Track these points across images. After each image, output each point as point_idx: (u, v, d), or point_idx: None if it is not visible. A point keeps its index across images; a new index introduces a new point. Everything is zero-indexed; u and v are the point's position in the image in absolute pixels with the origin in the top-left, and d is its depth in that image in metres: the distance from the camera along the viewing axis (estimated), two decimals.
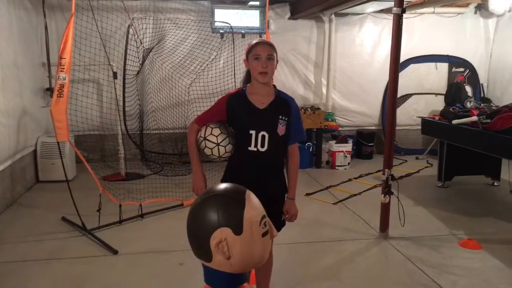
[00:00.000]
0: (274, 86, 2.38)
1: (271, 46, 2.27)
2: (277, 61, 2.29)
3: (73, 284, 3.03)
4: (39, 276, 3.13)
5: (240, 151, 2.30)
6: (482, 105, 5.22)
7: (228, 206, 1.02)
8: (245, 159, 2.29)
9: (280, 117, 2.28)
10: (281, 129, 2.28)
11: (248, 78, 2.35)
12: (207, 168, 2.50)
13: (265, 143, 2.25)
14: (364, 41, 7.03)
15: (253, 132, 2.24)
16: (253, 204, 1.04)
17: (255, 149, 2.25)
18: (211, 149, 2.28)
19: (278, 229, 2.39)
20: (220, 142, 2.26)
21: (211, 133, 2.27)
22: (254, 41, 2.29)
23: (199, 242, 1.03)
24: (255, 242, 1.03)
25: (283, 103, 2.33)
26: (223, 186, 1.08)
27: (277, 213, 2.39)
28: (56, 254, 3.48)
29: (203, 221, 1.02)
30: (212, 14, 6.42)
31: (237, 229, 1.00)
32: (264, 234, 1.05)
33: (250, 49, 2.25)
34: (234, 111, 2.29)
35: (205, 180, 2.40)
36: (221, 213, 1.01)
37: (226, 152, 2.29)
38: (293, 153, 2.40)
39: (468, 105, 5.25)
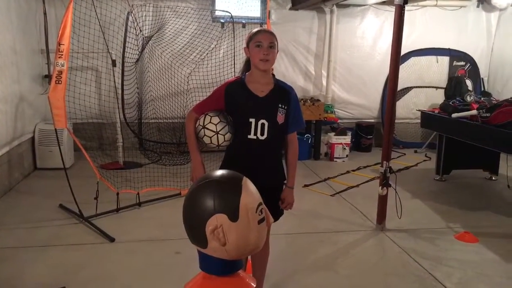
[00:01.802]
0: (273, 75, 2.37)
1: (272, 34, 2.26)
2: (278, 50, 2.28)
3: (70, 271, 3.04)
4: (36, 263, 3.13)
5: (239, 139, 2.29)
6: (482, 99, 5.21)
7: (224, 192, 1.01)
8: (245, 147, 2.29)
9: (280, 105, 2.28)
10: (280, 117, 2.28)
11: (247, 67, 2.34)
12: (205, 158, 2.49)
13: (265, 131, 2.25)
14: (366, 33, 6.99)
15: (252, 120, 2.24)
16: (250, 191, 1.04)
17: (255, 137, 2.25)
18: (210, 137, 2.27)
19: (276, 218, 2.39)
20: (219, 131, 2.25)
21: (210, 122, 2.26)
22: (256, 29, 2.29)
23: (195, 228, 1.02)
24: (251, 229, 1.02)
25: (282, 91, 2.32)
26: (219, 172, 1.07)
27: (275, 202, 2.38)
28: (53, 241, 3.48)
29: (199, 207, 1.01)
30: (213, 3, 6.37)
31: (233, 216, 1.00)
32: (260, 221, 1.04)
33: (252, 37, 2.24)
34: (233, 99, 2.28)
35: (204, 169, 2.39)
36: (217, 199, 1.00)
37: (225, 140, 2.28)
38: (292, 141, 2.40)
39: (468, 99, 5.23)
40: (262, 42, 2.19)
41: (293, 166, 2.41)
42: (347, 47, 6.97)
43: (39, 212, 4.06)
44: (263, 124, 2.24)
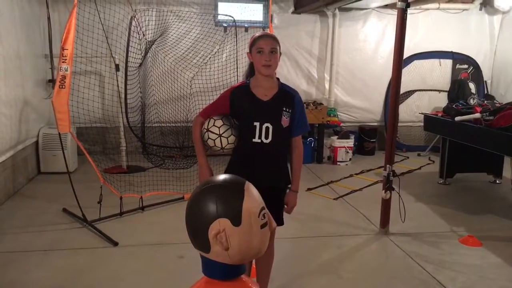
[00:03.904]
0: (278, 79, 2.39)
1: (274, 39, 2.27)
2: (280, 53, 2.29)
3: (73, 275, 3.04)
4: (39, 267, 3.14)
5: (244, 143, 2.32)
6: (485, 102, 5.19)
7: (226, 196, 1.01)
8: (249, 150, 2.31)
9: (284, 109, 2.30)
10: (285, 121, 2.30)
11: (251, 71, 2.36)
12: (211, 162, 2.50)
13: (269, 135, 2.27)
14: (368, 37, 6.99)
15: (257, 124, 2.26)
16: (252, 195, 1.04)
17: (259, 140, 2.27)
18: (214, 140, 2.29)
19: (281, 221, 2.40)
20: (222, 133, 2.28)
21: (213, 125, 2.29)
22: (257, 34, 2.30)
23: (198, 233, 1.03)
24: (254, 234, 1.02)
25: (286, 95, 2.34)
26: (222, 177, 1.07)
27: (280, 205, 2.39)
28: (56, 245, 3.49)
29: (201, 212, 1.01)
30: (216, 7, 6.40)
31: (236, 220, 1.00)
32: (262, 226, 1.04)
33: (253, 42, 2.25)
34: (238, 104, 2.30)
35: (212, 173, 2.40)
36: (220, 203, 1.00)
37: (228, 143, 2.30)
38: (297, 145, 2.42)
39: (471, 102, 5.21)
40: (263, 48, 2.21)
41: (298, 170, 2.43)
42: (350, 50, 6.97)
43: (42, 216, 4.08)
44: (267, 128, 2.26)
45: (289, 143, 2.40)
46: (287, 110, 2.30)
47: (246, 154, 2.32)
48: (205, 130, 2.31)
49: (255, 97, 2.29)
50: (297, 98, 2.36)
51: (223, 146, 2.31)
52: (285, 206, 2.42)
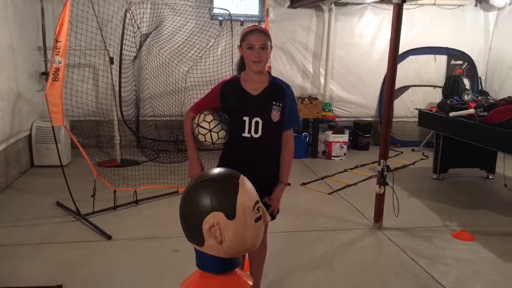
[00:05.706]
0: (269, 72, 2.37)
1: (265, 34, 2.23)
2: (271, 47, 2.27)
3: (67, 269, 3.03)
4: (32, 260, 3.13)
5: (234, 138, 2.31)
6: (479, 98, 5.22)
7: (221, 190, 1.01)
8: (239, 145, 2.30)
9: (274, 103, 2.27)
10: (275, 115, 2.27)
11: (242, 64, 2.34)
12: (203, 156, 2.50)
13: (259, 129, 2.25)
14: (364, 32, 6.99)
15: (246, 118, 2.25)
16: (247, 189, 1.04)
17: (249, 135, 2.26)
18: (204, 135, 2.30)
19: (273, 217, 2.40)
20: (213, 128, 2.28)
21: (203, 120, 2.30)
22: (248, 28, 2.27)
23: (192, 226, 1.02)
24: (248, 227, 1.02)
25: (277, 89, 2.32)
26: (216, 170, 1.07)
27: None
28: (49, 239, 3.48)
29: (196, 205, 1.01)
30: (211, 1, 6.35)
31: (230, 214, 1.00)
32: (257, 220, 1.04)
33: (244, 37, 2.23)
34: (228, 98, 2.30)
35: (202, 166, 2.41)
36: (214, 197, 1.00)
37: (219, 138, 2.30)
38: (287, 139, 2.39)
39: (466, 97, 5.24)
40: (254, 44, 2.18)
41: (288, 164, 2.39)
42: (345, 45, 6.97)
43: (35, 210, 4.05)
44: (257, 122, 2.25)
45: (281, 137, 2.37)
46: (278, 104, 2.27)
47: (237, 149, 2.32)
48: (196, 125, 2.31)
49: (245, 92, 2.27)
50: (288, 92, 2.33)
51: (214, 141, 2.31)
52: (269, 199, 2.28)
